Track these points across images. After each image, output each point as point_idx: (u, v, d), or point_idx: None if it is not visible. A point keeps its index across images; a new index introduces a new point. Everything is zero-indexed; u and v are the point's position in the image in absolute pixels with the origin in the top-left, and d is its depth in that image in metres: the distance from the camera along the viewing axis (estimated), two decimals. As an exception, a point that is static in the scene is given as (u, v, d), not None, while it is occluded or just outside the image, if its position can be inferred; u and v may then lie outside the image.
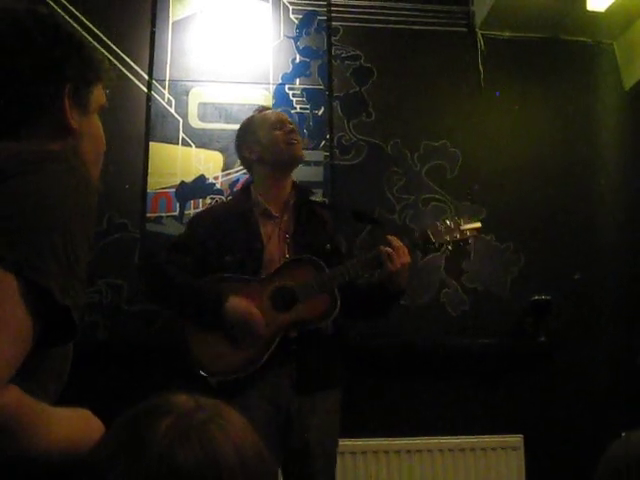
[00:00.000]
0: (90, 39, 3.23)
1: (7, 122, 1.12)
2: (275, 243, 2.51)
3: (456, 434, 3.28)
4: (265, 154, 2.59)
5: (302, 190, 2.70)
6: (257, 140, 2.61)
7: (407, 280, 2.47)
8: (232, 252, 2.46)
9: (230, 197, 3.09)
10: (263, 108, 2.83)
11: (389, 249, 2.37)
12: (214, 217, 2.62)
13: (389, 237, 2.41)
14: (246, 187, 2.72)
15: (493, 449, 3.28)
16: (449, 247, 2.52)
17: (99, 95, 1.26)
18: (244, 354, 2.33)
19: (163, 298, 2.55)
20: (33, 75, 1.13)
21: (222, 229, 2.52)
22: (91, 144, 1.23)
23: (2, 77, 1.11)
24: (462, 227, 2.46)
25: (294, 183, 2.69)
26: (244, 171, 3.05)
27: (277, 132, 2.58)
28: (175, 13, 3.62)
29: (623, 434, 1.04)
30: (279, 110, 3.13)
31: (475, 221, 2.54)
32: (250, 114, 2.85)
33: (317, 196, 3.31)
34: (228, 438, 0.74)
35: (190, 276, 2.43)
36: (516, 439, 3.31)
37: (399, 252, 2.37)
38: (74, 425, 0.99)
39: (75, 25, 3.19)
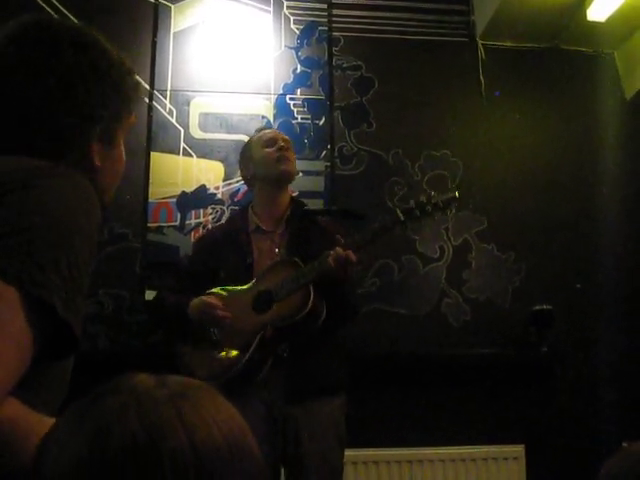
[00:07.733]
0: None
1: (32, 149, 1.09)
2: (267, 257, 2.59)
3: (457, 444, 3.27)
4: (258, 171, 2.69)
5: (297, 203, 2.78)
6: (251, 158, 2.72)
7: (351, 274, 2.45)
8: (226, 268, 2.58)
9: (228, 218, 3.17)
10: (262, 128, 2.91)
11: (333, 256, 2.34)
12: (211, 238, 2.79)
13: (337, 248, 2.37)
14: (244, 208, 2.82)
15: (494, 459, 3.26)
16: (421, 222, 2.48)
17: (129, 121, 1.25)
18: (228, 358, 2.41)
19: (159, 321, 2.80)
20: (67, 112, 1.12)
21: (218, 248, 2.65)
22: (110, 173, 1.21)
23: (36, 105, 1.10)
24: (434, 200, 2.44)
25: (292, 198, 2.79)
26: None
27: (268, 149, 2.66)
28: (176, 24, 3.63)
29: (624, 444, 1.03)
30: (280, 121, 3.17)
31: (452, 192, 2.50)
32: (252, 128, 2.98)
33: (318, 206, 3.33)
34: (180, 420, 0.67)
35: (184, 296, 2.55)
36: (517, 449, 3.30)
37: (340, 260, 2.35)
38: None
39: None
